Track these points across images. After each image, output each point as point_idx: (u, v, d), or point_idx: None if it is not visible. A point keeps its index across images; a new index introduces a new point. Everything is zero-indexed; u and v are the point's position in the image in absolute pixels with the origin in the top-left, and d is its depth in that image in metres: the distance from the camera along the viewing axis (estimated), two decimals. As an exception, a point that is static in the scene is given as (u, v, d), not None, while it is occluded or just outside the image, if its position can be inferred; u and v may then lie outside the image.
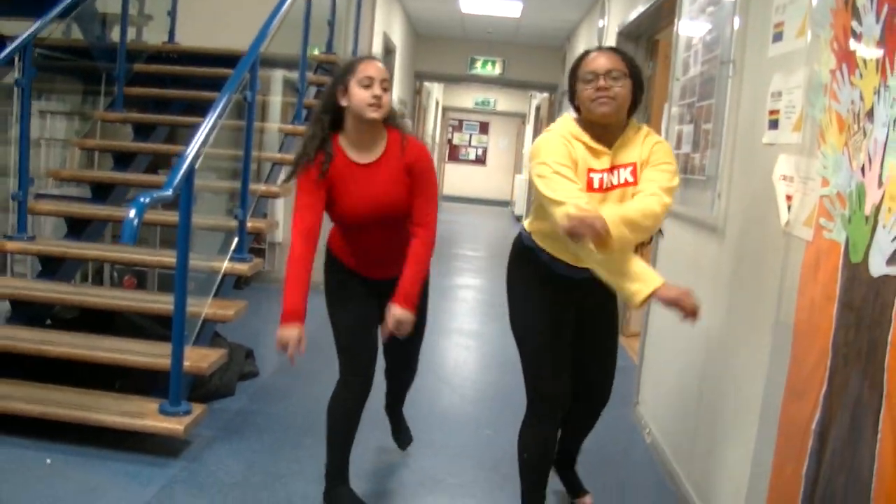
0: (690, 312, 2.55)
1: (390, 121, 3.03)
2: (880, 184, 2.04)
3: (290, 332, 2.80)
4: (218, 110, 3.79)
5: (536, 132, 16.12)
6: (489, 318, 7.49)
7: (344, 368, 3.10)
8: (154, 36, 6.31)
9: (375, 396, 3.27)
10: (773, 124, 2.85)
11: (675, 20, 4.48)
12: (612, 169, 2.77)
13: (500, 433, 4.12)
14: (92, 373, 3.86)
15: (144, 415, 3.54)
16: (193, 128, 3.71)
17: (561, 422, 3.05)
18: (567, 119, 2.89)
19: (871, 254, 2.06)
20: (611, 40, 7.07)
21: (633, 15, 6.01)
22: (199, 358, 3.78)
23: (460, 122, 23.44)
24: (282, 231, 7.36)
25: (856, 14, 2.27)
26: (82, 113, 6.12)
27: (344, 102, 2.92)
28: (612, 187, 2.76)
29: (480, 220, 18.16)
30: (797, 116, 2.64)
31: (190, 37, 6.37)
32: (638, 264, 2.61)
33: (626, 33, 6.43)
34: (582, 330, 3.04)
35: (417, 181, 3.02)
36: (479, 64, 12.41)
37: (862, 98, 2.18)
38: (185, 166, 3.41)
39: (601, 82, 2.72)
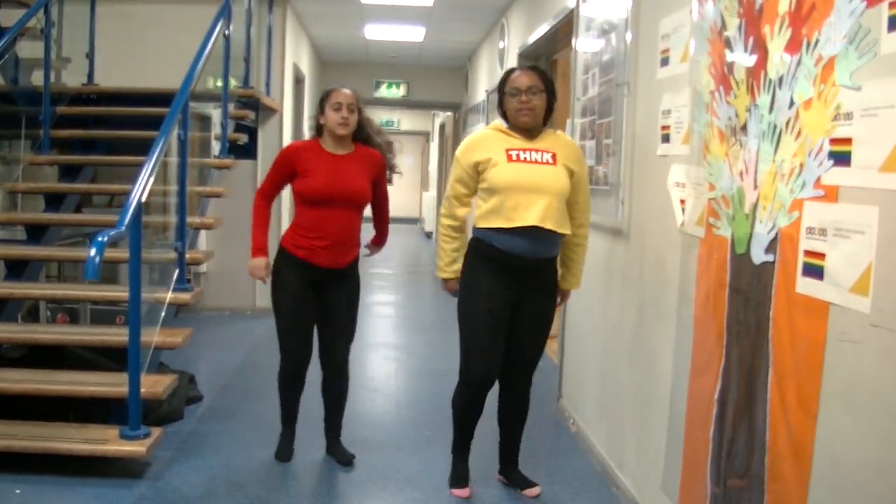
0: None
1: (362, 139, 3.92)
2: (755, 186, 2.45)
3: (260, 261, 3.82)
4: (158, 150, 4.02)
5: (441, 150, 16.51)
6: (411, 332, 7.84)
7: (283, 361, 3.95)
8: (72, 78, 6.45)
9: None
10: (665, 138, 3.27)
11: (573, 46, 4.90)
12: (532, 149, 3.43)
13: (437, 431, 4.46)
14: (45, 407, 4.03)
15: (106, 440, 3.75)
16: (138, 167, 3.92)
17: (499, 424, 3.80)
18: (497, 122, 3.60)
19: (752, 245, 2.47)
20: (512, 60, 7.49)
21: (533, 38, 6.42)
22: (154, 384, 4.00)
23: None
24: (206, 264, 7.56)
25: (728, 43, 2.69)
26: (2, 157, 6.21)
27: (322, 121, 3.82)
28: (534, 162, 3.40)
29: (391, 237, 18.31)
30: (685, 131, 3.06)
31: (107, 78, 6.53)
32: None
33: (526, 54, 6.85)
34: (520, 308, 3.51)
35: (379, 182, 3.96)
36: (384, 87, 12.76)
37: (737, 115, 2.60)
38: (134, 204, 3.64)
39: (523, 98, 3.42)
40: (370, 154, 3.92)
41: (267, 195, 3.91)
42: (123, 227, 3.50)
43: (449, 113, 14.27)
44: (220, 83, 5.90)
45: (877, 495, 1.86)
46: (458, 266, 3.58)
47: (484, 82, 9.66)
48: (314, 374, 4.00)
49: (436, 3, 8.09)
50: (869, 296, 1.90)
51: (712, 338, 2.76)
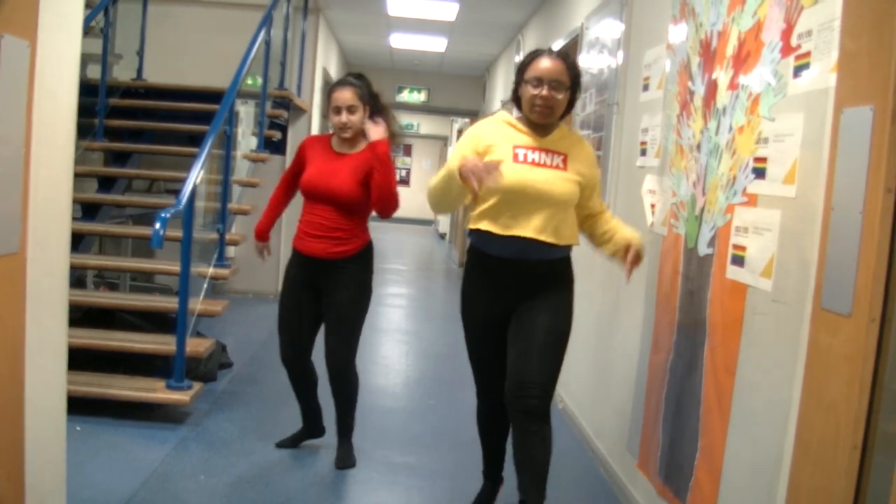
0: None
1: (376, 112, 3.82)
2: (703, 193, 3.05)
3: (258, 245, 4.08)
4: (210, 141, 4.63)
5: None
6: (421, 320, 8.48)
7: (280, 347, 3.98)
8: (122, 73, 7.09)
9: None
10: (643, 152, 3.87)
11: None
12: (542, 150, 3.04)
13: (440, 401, 5.08)
14: (97, 361, 4.64)
15: (155, 390, 4.36)
16: (192, 157, 4.54)
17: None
18: (504, 111, 3.27)
19: (699, 241, 3.06)
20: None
21: (544, 55, 7.00)
22: (196, 345, 4.62)
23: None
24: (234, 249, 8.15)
25: (691, 77, 3.28)
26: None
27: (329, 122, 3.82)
28: (544, 165, 3.01)
29: (406, 237, 19.09)
30: (657, 147, 3.65)
31: (155, 74, 7.18)
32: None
33: (539, 70, 7.42)
34: (522, 318, 3.10)
35: (372, 178, 3.74)
36: (406, 92, 13.37)
37: (694, 135, 3.19)
38: (189, 187, 4.26)
39: (544, 91, 2.98)
40: (364, 155, 3.74)
41: (286, 181, 4.01)
42: (181, 206, 4.11)
43: (466, 119, 14.86)
44: (254, 83, 6.52)
45: (773, 433, 2.44)
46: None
47: (500, 92, 10.24)
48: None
49: (458, 18, 8.70)
50: (772, 278, 2.48)
51: (668, 318, 3.35)
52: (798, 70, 2.42)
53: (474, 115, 13.27)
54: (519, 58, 8.76)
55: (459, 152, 3.07)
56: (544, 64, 3.02)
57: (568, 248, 3.14)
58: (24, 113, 1.86)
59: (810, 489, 1.94)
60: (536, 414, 3.02)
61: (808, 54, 2.35)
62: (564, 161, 3.06)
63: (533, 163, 3.02)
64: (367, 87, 3.80)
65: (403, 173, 24.64)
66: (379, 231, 18.22)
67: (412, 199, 24.77)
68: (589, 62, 5.19)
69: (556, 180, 3.01)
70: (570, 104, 3.12)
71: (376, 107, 3.81)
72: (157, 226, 3.82)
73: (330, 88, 3.80)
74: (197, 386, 4.49)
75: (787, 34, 2.49)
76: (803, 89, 2.38)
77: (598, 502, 3.88)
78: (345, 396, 3.95)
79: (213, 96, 5.92)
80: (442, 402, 5.09)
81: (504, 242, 3.03)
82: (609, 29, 4.69)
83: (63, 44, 2.13)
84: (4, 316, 1.88)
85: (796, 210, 2.36)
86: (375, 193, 3.68)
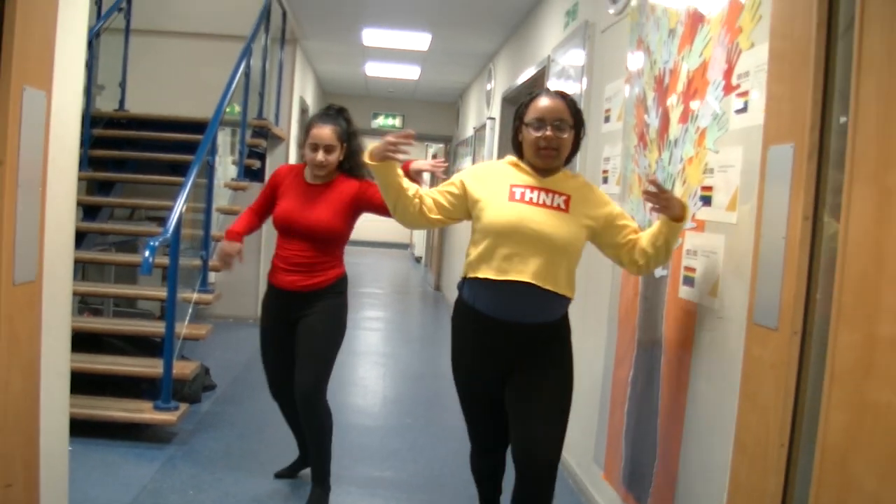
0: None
1: (346, 168, 3.70)
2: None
3: (231, 245, 3.77)
4: (194, 171, 4.84)
5: (433, 179, 17.30)
6: (398, 343, 8.68)
7: (268, 382, 3.98)
8: (105, 104, 7.27)
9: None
10: (605, 180, 4.12)
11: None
12: (542, 189, 2.80)
13: (417, 420, 5.28)
14: (84, 384, 4.79)
15: (143, 411, 4.54)
16: (179, 186, 4.74)
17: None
18: (508, 157, 3.01)
19: (654, 263, 3.30)
20: (496, 102, 8.35)
21: (517, 82, 7.27)
22: (182, 367, 4.81)
23: (366, 179, 24.43)
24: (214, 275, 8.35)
25: (647, 110, 3.54)
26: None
27: (303, 154, 3.70)
28: (543, 205, 2.78)
29: (382, 261, 19.26)
30: (618, 175, 3.90)
31: (136, 104, 7.37)
32: None
33: (509, 98, 7.70)
34: (515, 380, 2.89)
35: (370, 200, 3.61)
36: (381, 118, 13.62)
37: (649, 165, 3.44)
38: (175, 216, 4.46)
39: (548, 131, 2.79)
40: (349, 186, 3.68)
41: (254, 212, 3.88)
42: (168, 234, 4.31)
43: (441, 145, 15.13)
44: (231, 111, 6.73)
45: (722, 441, 2.67)
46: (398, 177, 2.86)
47: (473, 119, 10.52)
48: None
49: (430, 48, 8.96)
50: (717, 297, 2.73)
51: (628, 335, 3.59)
52: (738, 107, 2.67)
53: (448, 140, 13.54)
54: (491, 85, 9.05)
55: (445, 185, 2.96)
56: (544, 103, 2.85)
57: (567, 303, 2.91)
58: (42, 156, 2.07)
59: (747, 486, 2.16)
60: (545, 481, 2.86)
61: (746, 93, 2.61)
62: (567, 202, 2.81)
63: (530, 202, 2.79)
64: (346, 123, 3.70)
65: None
66: (355, 255, 18.52)
67: (386, 224, 24.98)
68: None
69: (556, 221, 2.77)
70: (576, 145, 2.92)
71: (352, 145, 3.68)
72: (147, 254, 4.02)
73: (309, 122, 3.69)
74: (183, 407, 4.67)
75: (728, 74, 2.75)
76: (742, 125, 2.63)
77: (568, 511, 4.10)
78: (315, 433, 3.73)
79: (194, 126, 6.13)
80: (419, 420, 5.30)
81: (499, 294, 2.78)
82: (574, 60, 4.95)
83: (69, 92, 2.34)
84: (24, 340, 2.08)
85: (737, 235, 2.61)
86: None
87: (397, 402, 6.01)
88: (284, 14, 7.86)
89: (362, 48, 9.35)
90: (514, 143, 2.96)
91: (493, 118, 8.48)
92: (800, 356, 1.97)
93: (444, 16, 7.54)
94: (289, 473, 4.20)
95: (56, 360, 2.45)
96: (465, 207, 2.92)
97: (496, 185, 2.85)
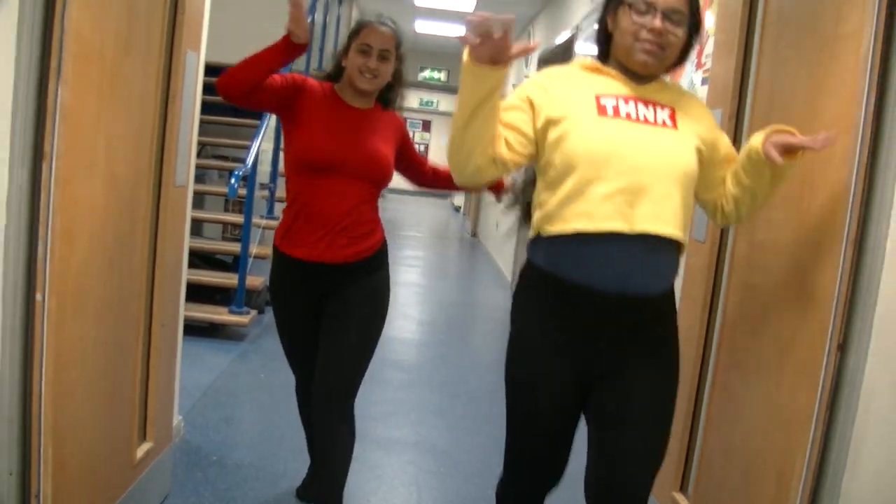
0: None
1: (384, 100, 2.84)
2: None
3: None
4: (268, 115, 5.70)
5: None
6: (434, 277, 9.67)
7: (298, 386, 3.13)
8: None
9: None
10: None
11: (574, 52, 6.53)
12: (639, 100, 2.01)
13: (450, 335, 6.18)
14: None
15: (220, 314, 5.47)
16: (246, 128, 5.62)
17: None
18: (580, 59, 2.34)
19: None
20: (533, 62, 9.10)
21: (554, 43, 8.01)
22: (252, 280, 5.73)
23: (405, 119, 25.29)
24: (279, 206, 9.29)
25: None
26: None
27: (343, 63, 2.72)
28: (644, 120, 1.98)
29: (422, 209, 20.13)
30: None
31: (208, 53, 8.20)
32: None
33: (543, 59, 8.46)
34: (611, 384, 2.03)
35: (407, 147, 2.93)
36: (427, 71, 14.43)
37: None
38: (254, 152, 5.35)
39: (657, 23, 1.95)
40: (391, 117, 2.85)
41: (275, 86, 2.64)
42: (248, 166, 5.20)
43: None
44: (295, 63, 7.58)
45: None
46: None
47: (513, 77, 11.27)
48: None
49: (475, 9, 9.73)
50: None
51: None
52: (701, 80, 3.47)
53: (490, 95, 14.30)
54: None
55: (506, 107, 2.00)
56: None
57: (681, 255, 2.05)
58: (193, 99, 2.94)
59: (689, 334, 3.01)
60: None
61: (708, 70, 3.41)
62: (672, 117, 2.02)
63: (627, 117, 1.98)
64: (401, 40, 2.82)
65: (422, 148, 25.68)
66: (397, 203, 19.40)
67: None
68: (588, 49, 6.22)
69: (666, 142, 1.98)
70: (683, 54, 2.08)
71: (400, 69, 2.83)
72: (233, 181, 4.91)
73: (358, 24, 2.76)
74: (252, 312, 5.59)
75: (699, 54, 3.54)
76: (703, 94, 3.43)
77: None
78: (335, 451, 2.76)
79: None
80: (451, 334, 6.21)
81: (597, 252, 1.93)
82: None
83: (200, 50, 3.19)
84: (179, 232, 2.96)
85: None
86: (431, 173, 3.08)
87: (432, 324, 6.92)
88: (343, -26, 8.67)
89: (413, 7, 10.15)
90: (600, 37, 2.12)
91: (529, 77, 9.20)
92: (716, 262, 2.80)
93: (488, -18, 8.32)
94: (303, 491, 3.28)
95: (175, 274, 3.24)
96: (535, 137, 2.01)
97: (576, 96, 2.00)
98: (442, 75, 14.51)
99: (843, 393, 1.99)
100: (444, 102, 21.84)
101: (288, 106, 2.67)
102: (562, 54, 7.83)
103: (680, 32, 1.98)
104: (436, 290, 8.60)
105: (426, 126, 25.71)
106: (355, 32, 2.70)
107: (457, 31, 11.49)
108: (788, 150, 1.91)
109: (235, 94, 2.57)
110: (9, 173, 1.91)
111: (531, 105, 2.00)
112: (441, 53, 14.11)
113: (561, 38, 7.60)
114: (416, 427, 4.27)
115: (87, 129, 2.12)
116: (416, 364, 5.51)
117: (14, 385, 1.99)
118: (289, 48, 2.54)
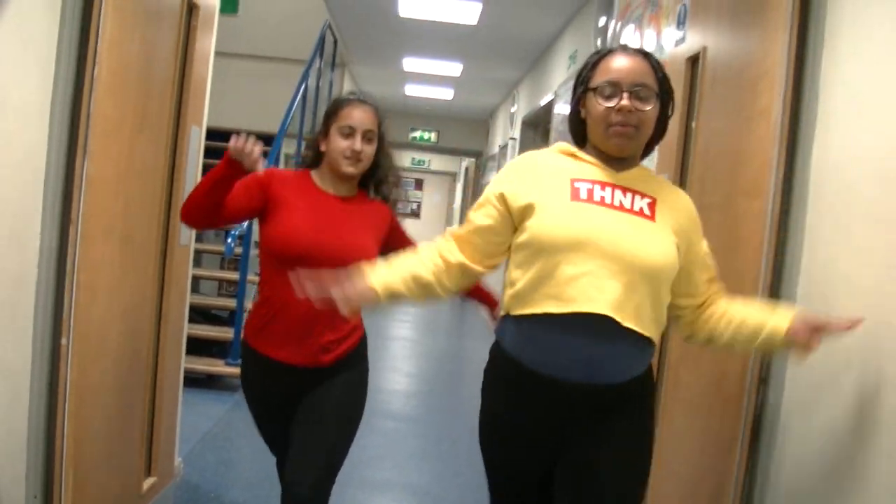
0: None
1: (373, 183, 2.62)
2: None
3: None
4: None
5: (466, 190, 18.56)
6: (425, 331, 10.04)
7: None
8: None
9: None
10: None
11: (554, 113, 6.92)
12: (616, 186, 1.93)
13: (434, 386, 6.46)
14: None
15: (217, 365, 5.75)
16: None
17: None
18: (563, 143, 2.10)
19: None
20: (517, 124, 9.50)
21: (534, 108, 8.40)
22: (248, 333, 6.01)
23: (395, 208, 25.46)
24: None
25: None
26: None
27: (322, 147, 2.51)
28: (620, 207, 1.91)
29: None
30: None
31: (210, 118, 8.56)
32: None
33: (528, 121, 8.84)
34: (578, 470, 1.96)
35: (395, 232, 2.66)
36: (418, 132, 14.87)
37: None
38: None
39: (624, 102, 1.91)
40: (376, 207, 2.62)
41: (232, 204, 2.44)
42: (244, 227, 5.53)
43: (472, 158, 16.35)
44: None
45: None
46: (391, 288, 1.99)
47: (500, 137, 11.69)
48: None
49: (462, 75, 10.21)
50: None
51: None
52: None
53: (479, 154, 14.75)
54: (514, 108, 10.19)
55: (479, 207, 2.03)
56: (619, 63, 1.96)
57: (652, 352, 1.98)
58: (196, 169, 3.27)
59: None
60: None
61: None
62: (652, 207, 1.94)
63: (601, 202, 1.91)
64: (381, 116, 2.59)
65: (414, 206, 26.04)
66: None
67: (422, 230, 26.09)
68: (561, 124, 6.60)
69: (640, 232, 1.90)
70: (662, 127, 2.03)
71: (383, 149, 2.59)
72: (229, 241, 5.23)
73: (335, 103, 2.56)
74: (248, 364, 5.86)
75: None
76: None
77: None
78: None
79: (259, 138, 7.28)
80: (435, 385, 6.49)
81: (561, 337, 1.87)
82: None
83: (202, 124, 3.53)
84: (182, 289, 3.27)
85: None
86: None
87: (420, 376, 7.18)
88: (336, 42, 9.07)
89: (403, 73, 10.60)
90: (574, 126, 2.08)
91: (514, 139, 9.63)
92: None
93: (473, 49, 8.74)
94: None
95: (177, 328, 3.56)
96: (511, 231, 1.99)
97: (550, 181, 1.95)
98: (432, 136, 14.95)
99: (765, 419, 2.29)
100: (436, 162, 22.32)
101: (259, 208, 2.45)
102: (544, 115, 8.23)
103: (649, 107, 1.93)
104: (425, 344, 8.91)
105: (418, 185, 26.14)
106: (333, 112, 2.50)
107: (444, 93, 11.95)
108: (816, 330, 1.86)
109: (199, 224, 2.52)
110: (40, 235, 2.23)
111: (503, 200, 1.97)
112: (431, 115, 14.58)
113: (544, 101, 7.98)
114: (402, 469, 4.54)
115: (107, 197, 2.45)
116: (403, 412, 5.77)
117: (40, 418, 2.30)
118: (231, 165, 2.31)
